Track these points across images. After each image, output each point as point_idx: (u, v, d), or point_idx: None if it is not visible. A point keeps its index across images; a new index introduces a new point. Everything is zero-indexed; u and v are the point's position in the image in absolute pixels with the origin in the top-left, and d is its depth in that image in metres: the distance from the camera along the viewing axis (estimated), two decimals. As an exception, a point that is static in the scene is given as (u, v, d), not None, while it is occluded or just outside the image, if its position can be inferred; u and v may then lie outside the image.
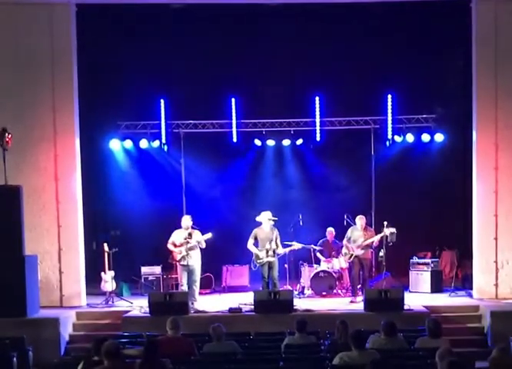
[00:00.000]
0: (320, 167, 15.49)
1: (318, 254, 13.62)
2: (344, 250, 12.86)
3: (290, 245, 12.73)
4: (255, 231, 12.23)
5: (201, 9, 13.41)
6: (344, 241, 12.77)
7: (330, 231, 13.75)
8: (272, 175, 15.57)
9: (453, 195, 15.18)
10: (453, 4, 12.93)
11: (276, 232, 12.22)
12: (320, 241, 13.77)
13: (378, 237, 12.41)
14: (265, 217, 12.18)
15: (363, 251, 12.45)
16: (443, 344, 7.48)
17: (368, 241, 12.43)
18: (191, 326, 9.86)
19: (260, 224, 12.28)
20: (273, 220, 12.21)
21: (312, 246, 13.43)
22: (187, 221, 11.92)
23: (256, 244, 12.18)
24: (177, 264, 12.06)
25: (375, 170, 14.42)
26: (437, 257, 14.33)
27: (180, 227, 11.97)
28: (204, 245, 11.84)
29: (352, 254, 12.54)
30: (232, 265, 14.22)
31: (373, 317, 10.40)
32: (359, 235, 12.52)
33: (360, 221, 12.60)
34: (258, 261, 12.13)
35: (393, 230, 12.29)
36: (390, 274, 13.34)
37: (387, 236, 12.31)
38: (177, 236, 11.90)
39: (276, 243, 12.15)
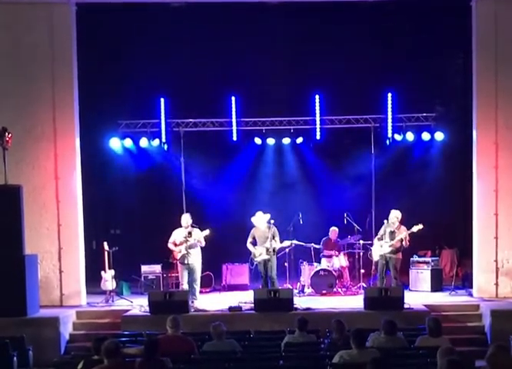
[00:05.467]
0: (320, 165, 15.50)
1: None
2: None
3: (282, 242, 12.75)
4: (253, 230, 12.54)
5: (200, 8, 13.40)
6: (376, 239, 12.51)
7: (334, 229, 13.76)
8: (272, 174, 15.58)
9: (453, 194, 15.19)
10: (454, 4, 12.93)
11: (273, 230, 12.36)
12: (323, 238, 13.79)
13: (405, 234, 12.12)
14: (256, 219, 12.48)
15: (390, 249, 12.16)
16: (443, 342, 7.48)
17: (396, 239, 12.11)
18: (191, 324, 9.90)
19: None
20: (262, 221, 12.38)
21: (312, 244, 13.42)
22: (186, 219, 11.94)
23: (254, 243, 12.45)
24: (178, 262, 12.10)
25: (375, 168, 14.38)
26: (437, 255, 14.36)
27: (180, 225, 11.98)
28: (203, 244, 11.88)
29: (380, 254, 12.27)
30: (232, 263, 14.21)
31: (373, 315, 10.38)
32: (391, 232, 12.24)
33: (395, 216, 12.22)
34: (255, 259, 12.47)
35: (421, 226, 12.06)
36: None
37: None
38: (178, 235, 11.92)
39: (274, 240, 12.30)
